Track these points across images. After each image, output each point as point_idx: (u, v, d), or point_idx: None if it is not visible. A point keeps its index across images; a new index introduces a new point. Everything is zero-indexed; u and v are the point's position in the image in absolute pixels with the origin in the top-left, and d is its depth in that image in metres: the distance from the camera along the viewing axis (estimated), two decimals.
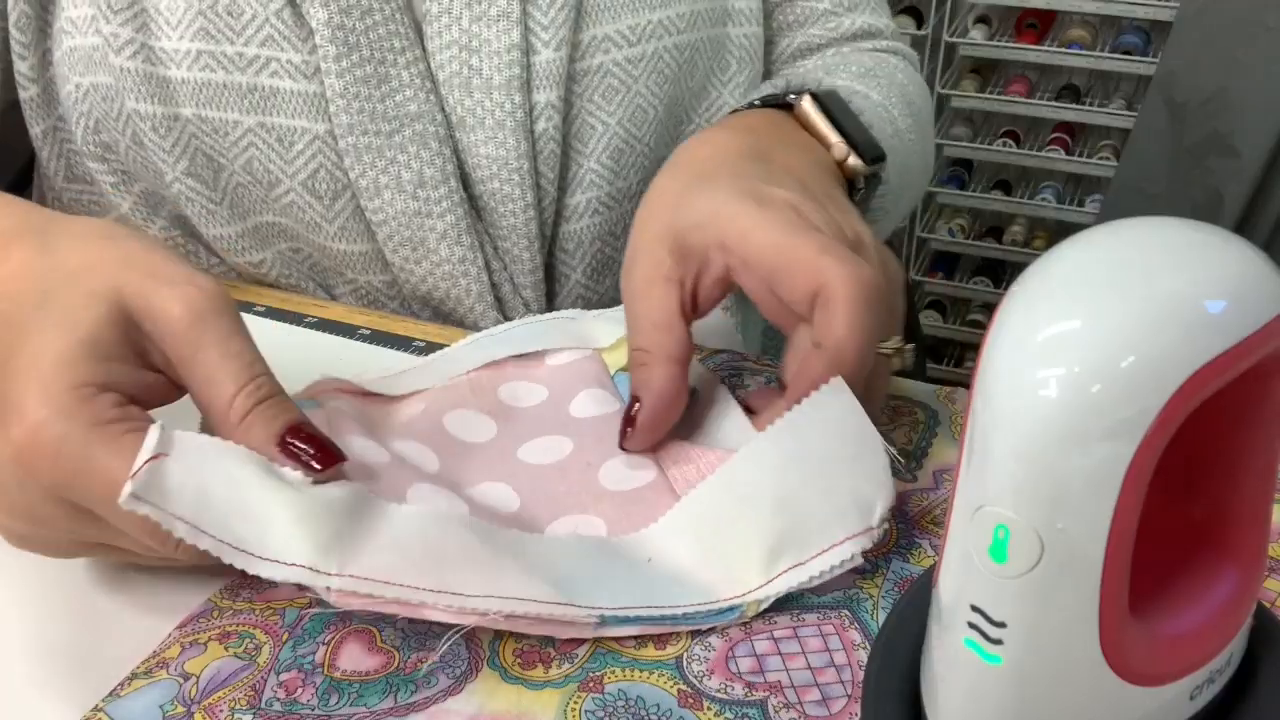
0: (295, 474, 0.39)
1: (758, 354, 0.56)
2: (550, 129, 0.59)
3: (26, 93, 0.61)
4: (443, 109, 0.58)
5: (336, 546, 0.37)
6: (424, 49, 0.58)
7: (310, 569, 0.37)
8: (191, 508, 0.37)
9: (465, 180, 0.59)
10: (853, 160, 0.54)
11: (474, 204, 0.60)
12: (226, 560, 0.37)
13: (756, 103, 0.56)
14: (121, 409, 0.38)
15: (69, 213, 0.64)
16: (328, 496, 0.39)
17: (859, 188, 0.56)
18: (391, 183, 0.57)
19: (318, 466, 0.39)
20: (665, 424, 0.46)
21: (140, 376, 0.39)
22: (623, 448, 0.46)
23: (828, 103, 0.55)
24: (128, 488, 0.36)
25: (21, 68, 0.60)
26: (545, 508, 0.45)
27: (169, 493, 0.36)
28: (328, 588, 0.37)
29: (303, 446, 0.40)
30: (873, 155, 0.55)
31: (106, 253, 0.40)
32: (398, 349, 0.57)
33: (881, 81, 0.66)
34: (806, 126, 0.55)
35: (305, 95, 0.57)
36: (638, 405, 0.45)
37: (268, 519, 0.37)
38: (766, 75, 0.70)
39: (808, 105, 0.55)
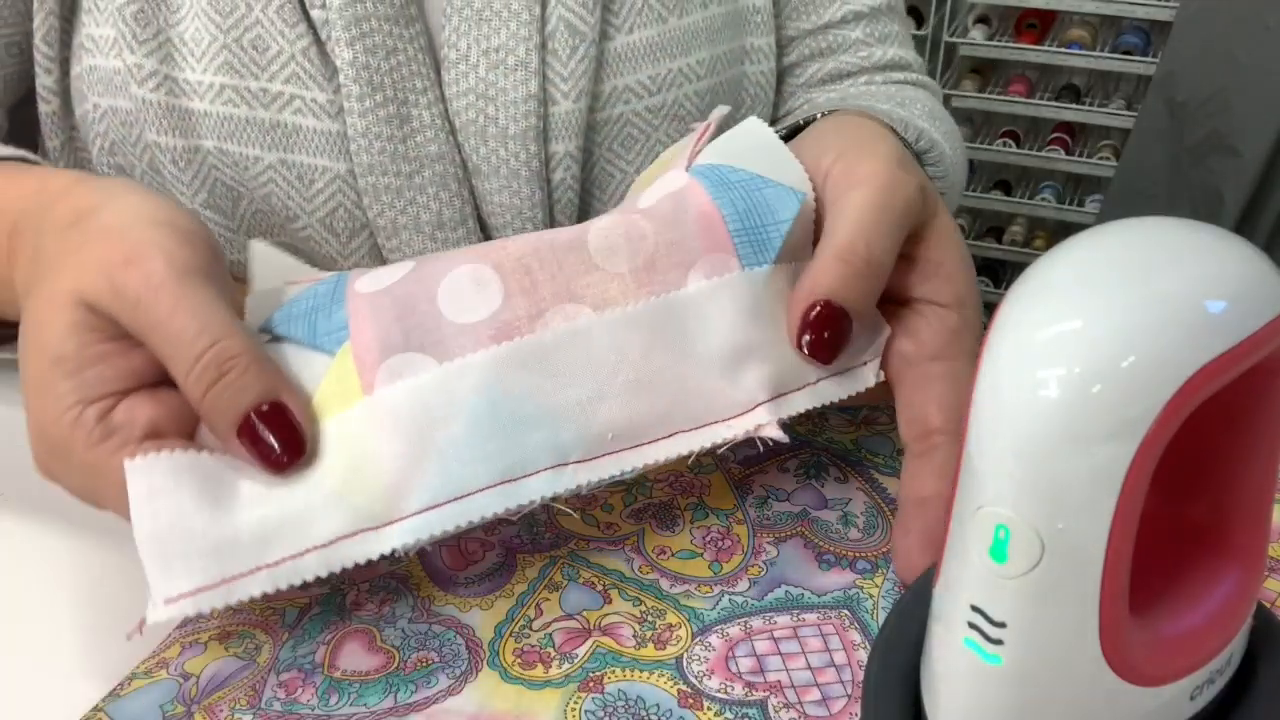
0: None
1: None
2: (568, 179, 0.59)
3: (49, 106, 0.60)
4: (460, 153, 0.58)
5: (381, 495, 0.38)
6: (443, 92, 0.57)
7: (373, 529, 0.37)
8: (219, 568, 0.36)
9: (482, 224, 0.59)
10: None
11: None
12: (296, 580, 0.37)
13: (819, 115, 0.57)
14: (103, 423, 0.38)
15: None
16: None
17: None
18: (410, 223, 0.57)
19: (283, 458, 0.37)
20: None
21: (127, 364, 0.39)
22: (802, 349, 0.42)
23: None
24: (150, 616, 0.36)
25: (47, 81, 0.59)
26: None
27: (188, 575, 0.36)
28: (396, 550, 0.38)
29: (266, 434, 0.37)
30: (916, 140, 0.57)
31: (71, 241, 0.40)
32: None
33: (914, 111, 0.67)
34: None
35: (327, 134, 0.56)
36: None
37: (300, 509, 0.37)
38: (778, 105, 0.70)
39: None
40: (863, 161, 0.43)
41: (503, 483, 0.38)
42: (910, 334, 0.43)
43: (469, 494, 0.38)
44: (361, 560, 0.37)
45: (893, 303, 0.44)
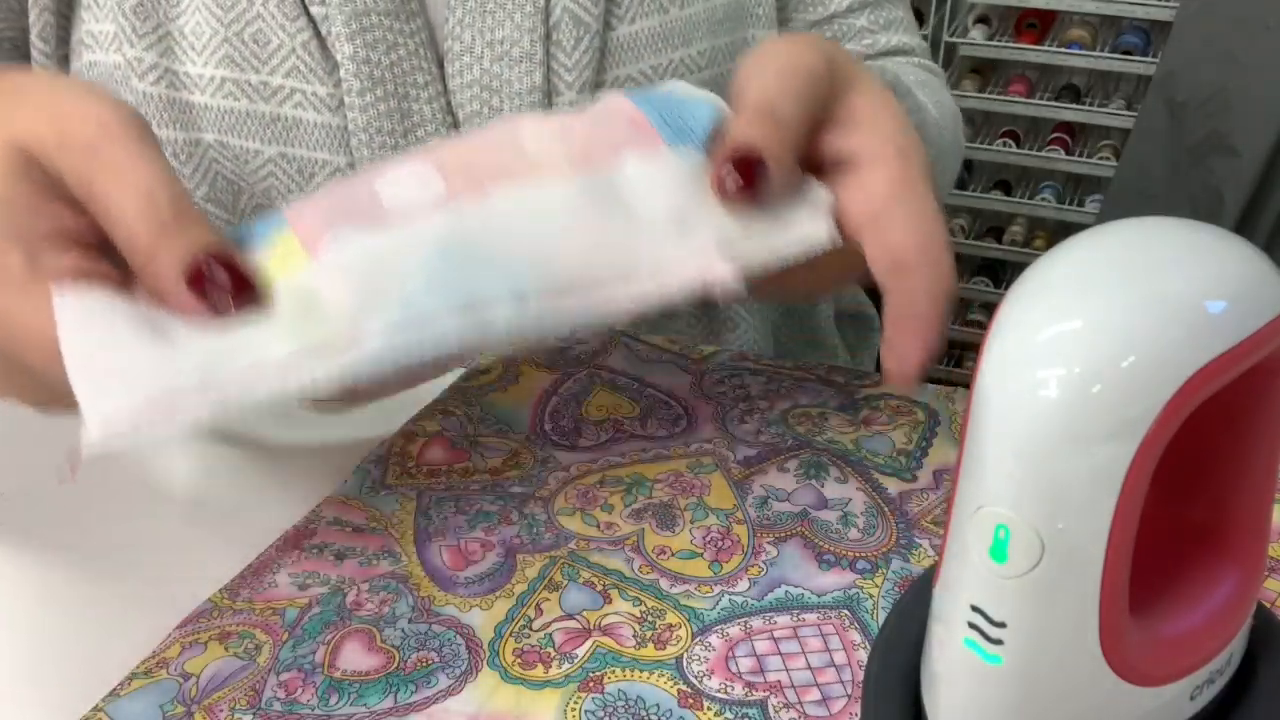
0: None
1: (760, 355, 0.56)
2: None
3: None
4: None
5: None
6: (445, 86, 0.57)
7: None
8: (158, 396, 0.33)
9: None
10: None
11: None
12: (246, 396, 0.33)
13: None
14: (31, 264, 0.35)
15: None
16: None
17: None
18: None
19: (234, 306, 0.35)
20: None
21: (60, 221, 0.36)
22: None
23: None
24: (85, 441, 0.32)
25: None
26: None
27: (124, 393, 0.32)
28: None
29: (218, 277, 0.35)
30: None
31: (13, 99, 0.38)
32: None
33: (910, 86, 0.67)
34: None
35: (328, 128, 0.56)
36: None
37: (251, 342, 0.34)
38: None
39: None
40: (766, 44, 0.43)
41: (465, 309, 0.36)
42: (858, 188, 0.42)
43: (430, 321, 0.36)
44: (321, 379, 0.34)
45: (835, 166, 0.43)
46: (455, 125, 0.57)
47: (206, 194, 0.59)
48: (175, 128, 0.57)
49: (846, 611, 0.41)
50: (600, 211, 0.40)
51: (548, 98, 0.57)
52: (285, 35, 0.55)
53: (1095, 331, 0.26)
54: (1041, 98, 1.94)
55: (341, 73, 0.55)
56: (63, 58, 0.59)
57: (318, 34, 0.55)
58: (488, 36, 0.56)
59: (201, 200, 0.59)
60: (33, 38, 0.58)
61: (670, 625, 0.40)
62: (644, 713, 0.37)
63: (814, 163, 0.42)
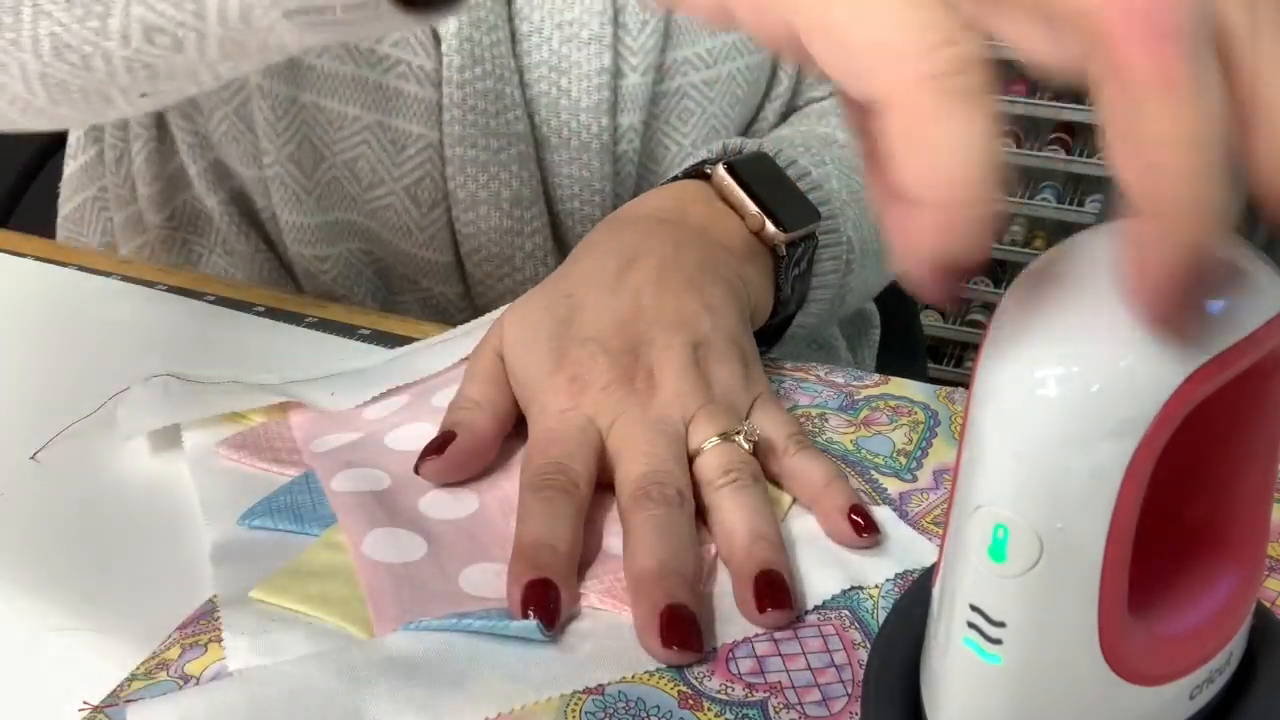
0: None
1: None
2: (631, 151, 0.60)
3: None
4: (532, 127, 0.59)
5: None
6: (517, 64, 0.58)
7: None
8: None
9: (548, 199, 0.60)
10: (770, 229, 0.52)
11: (554, 223, 0.60)
12: None
13: (679, 175, 0.55)
14: None
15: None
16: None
17: (782, 255, 0.53)
18: (490, 198, 0.58)
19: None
20: (472, 467, 0.45)
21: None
22: (416, 471, 0.44)
23: (745, 171, 0.53)
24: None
25: None
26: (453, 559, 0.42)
27: None
28: None
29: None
30: (795, 222, 0.53)
31: None
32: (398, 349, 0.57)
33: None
34: (724, 197, 0.53)
35: (425, 101, 0.57)
36: (453, 438, 0.44)
37: None
38: (800, 93, 0.70)
39: (722, 175, 0.53)
40: None
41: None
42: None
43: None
44: None
45: None
46: (528, 107, 0.58)
47: (291, 154, 0.59)
48: (279, 81, 0.58)
49: (846, 611, 0.41)
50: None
51: (615, 79, 0.58)
52: None
53: (1094, 331, 0.26)
54: (1041, 98, 1.94)
55: (444, 48, 0.56)
56: None
57: None
58: (557, 18, 0.57)
59: (284, 158, 0.60)
60: None
61: None
62: (644, 714, 0.37)
63: None
